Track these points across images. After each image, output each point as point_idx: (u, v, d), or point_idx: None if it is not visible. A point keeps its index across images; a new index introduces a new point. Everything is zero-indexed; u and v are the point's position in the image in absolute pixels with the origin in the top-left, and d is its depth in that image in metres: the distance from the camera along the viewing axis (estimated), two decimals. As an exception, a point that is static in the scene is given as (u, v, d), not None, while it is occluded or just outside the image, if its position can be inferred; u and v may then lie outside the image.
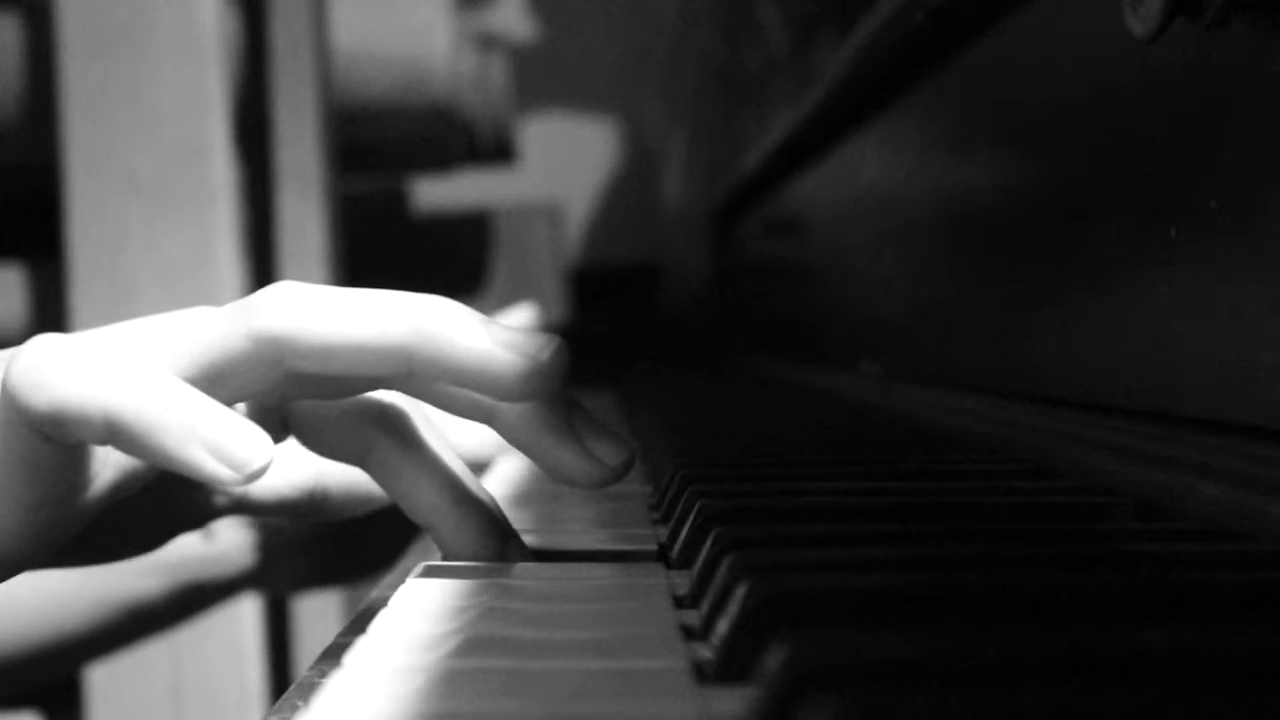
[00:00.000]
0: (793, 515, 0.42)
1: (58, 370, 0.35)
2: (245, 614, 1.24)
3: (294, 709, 0.32)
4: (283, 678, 1.31)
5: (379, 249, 1.71)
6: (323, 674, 0.34)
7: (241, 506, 0.48)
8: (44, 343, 0.35)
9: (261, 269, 1.30)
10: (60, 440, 0.36)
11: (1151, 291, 0.46)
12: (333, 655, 0.35)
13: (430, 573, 0.39)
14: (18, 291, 1.32)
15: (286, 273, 1.28)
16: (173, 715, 1.25)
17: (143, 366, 0.35)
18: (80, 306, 1.23)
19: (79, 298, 1.23)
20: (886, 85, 0.82)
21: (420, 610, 0.34)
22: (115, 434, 0.34)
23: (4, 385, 0.35)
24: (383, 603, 0.35)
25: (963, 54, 0.68)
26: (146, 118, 1.23)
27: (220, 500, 0.47)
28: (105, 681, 1.25)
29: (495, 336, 0.36)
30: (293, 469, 0.49)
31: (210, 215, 1.23)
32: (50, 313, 1.30)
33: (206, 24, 1.23)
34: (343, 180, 1.40)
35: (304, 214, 1.27)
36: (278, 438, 0.42)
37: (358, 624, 0.39)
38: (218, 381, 0.36)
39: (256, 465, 0.34)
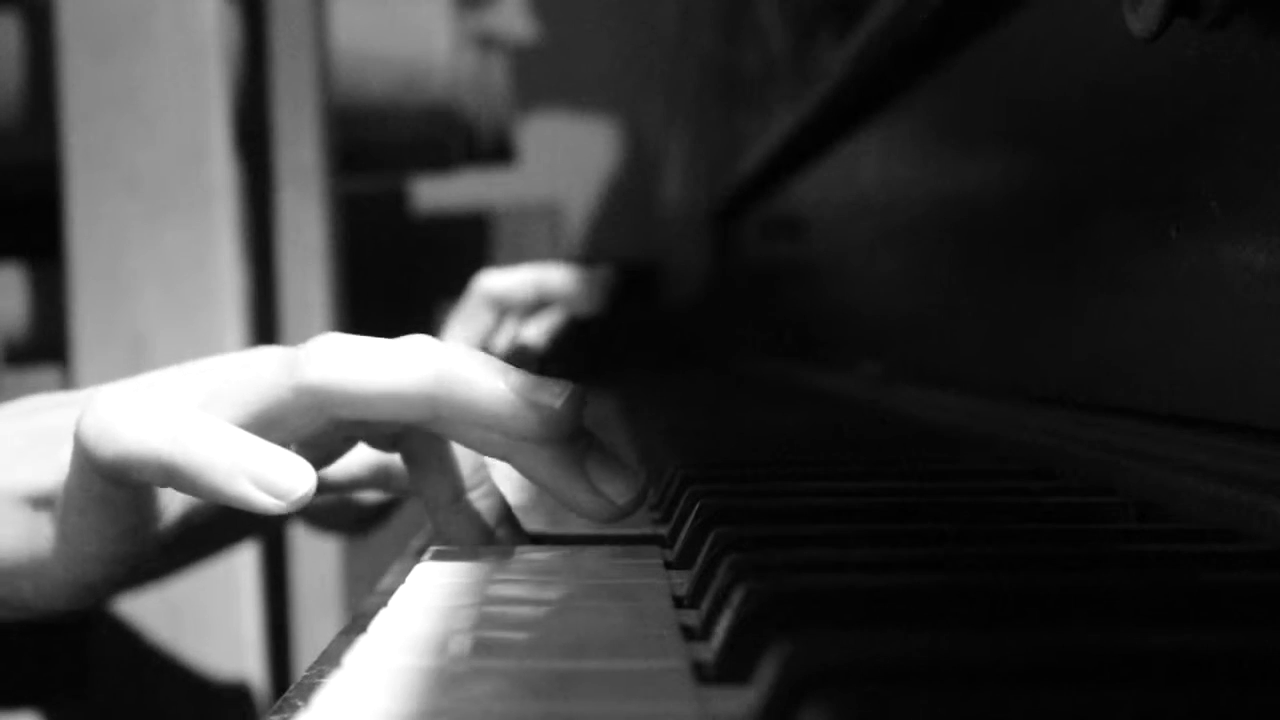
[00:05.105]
0: (793, 515, 0.42)
1: (119, 422, 0.39)
2: (245, 613, 1.24)
3: (294, 709, 0.32)
4: (283, 678, 1.31)
5: (379, 249, 1.71)
6: (322, 674, 0.34)
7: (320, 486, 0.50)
8: (109, 395, 0.40)
9: (261, 269, 1.30)
10: (129, 484, 0.40)
11: (1151, 292, 0.46)
12: (333, 655, 0.35)
13: (430, 573, 0.39)
14: (18, 291, 1.32)
15: (286, 273, 1.27)
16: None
17: (194, 415, 0.39)
18: (80, 306, 1.23)
19: (79, 298, 1.23)
20: (886, 85, 0.82)
21: (420, 610, 0.34)
22: (171, 477, 0.39)
23: (76, 437, 0.40)
24: (382, 602, 0.35)
25: (962, 54, 0.68)
26: (146, 118, 1.22)
27: None
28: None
29: (513, 383, 0.39)
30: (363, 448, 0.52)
31: (210, 215, 1.23)
32: (50, 313, 1.30)
33: (206, 24, 1.23)
34: (343, 180, 1.40)
35: (304, 214, 1.27)
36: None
37: (358, 624, 0.39)
38: (270, 426, 0.40)
39: (300, 493, 0.38)
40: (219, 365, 0.43)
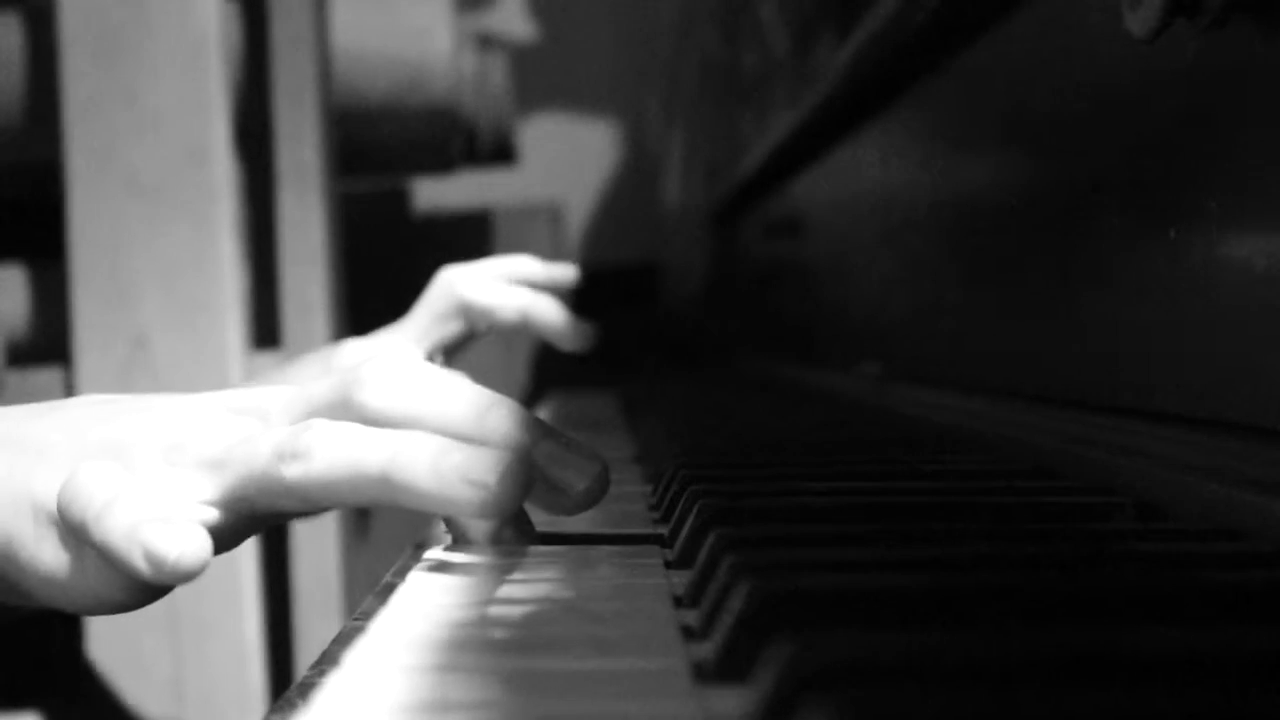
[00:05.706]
0: (792, 515, 0.42)
1: (81, 498, 0.42)
2: (246, 614, 1.24)
3: (294, 709, 0.32)
4: (283, 678, 1.31)
5: (379, 249, 1.71)
6: (323, 674, 0.34)
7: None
8: (88, 469, 0.43)
9: (261, 269, 1.30)
10: None
11: (1151, 292, 0.46)
12: (333, 655, 0.35)
13: (430, 574, 0.39)
14: (18, 291, 1.32)
15: (286, 273, 1.28)
16: (174, 715, 1.25)
17: (130, 493, 0.42)
18: (80, 306, 1.23)
19: (79, 298, 1.23)
20: (886, 85, 0.82)
21: (420, 610, 0.34)
22: (100, 553, 0.41)
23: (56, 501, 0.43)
24: (382, 602, 0.35)
25: (962, 54, 0.68)
26: (147, 118, 1.22)
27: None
28: (106, 681, 1.25)
29: (454, 465, 0.41)
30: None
31: (211, 215, 1.23)
32: (52, 313, 1.30)
33: (206, 24, 1.23)
34: (343, 180, 1.40)
35: (304, 214, 1.27)
36: None
37: (357, 624, 0.39)
38: (253, 503, 0.43)
39: (182, 570, 0.40)
40: (231, 430, 0.45)
